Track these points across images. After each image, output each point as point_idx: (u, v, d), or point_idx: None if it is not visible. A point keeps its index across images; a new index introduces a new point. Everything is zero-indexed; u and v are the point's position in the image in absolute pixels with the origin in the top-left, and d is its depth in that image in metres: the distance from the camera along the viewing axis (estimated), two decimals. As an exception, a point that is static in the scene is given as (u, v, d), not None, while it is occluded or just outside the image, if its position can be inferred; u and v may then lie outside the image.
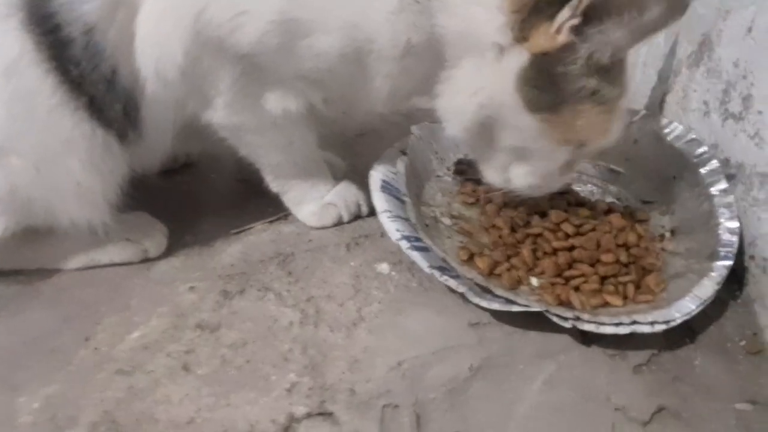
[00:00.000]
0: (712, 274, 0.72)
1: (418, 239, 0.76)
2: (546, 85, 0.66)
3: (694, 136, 0.86)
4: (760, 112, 0.77)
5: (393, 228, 0.76)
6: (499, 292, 0.71)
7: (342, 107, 0.80)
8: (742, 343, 0.74)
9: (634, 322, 0.68)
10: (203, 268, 0.82)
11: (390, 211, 0.78)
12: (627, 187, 0.91)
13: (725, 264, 0.73)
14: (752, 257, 0.77)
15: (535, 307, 0.69)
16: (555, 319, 0.69)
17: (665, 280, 0.76)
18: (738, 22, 0.81)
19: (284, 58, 0.71)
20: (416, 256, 0.73)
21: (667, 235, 0.83)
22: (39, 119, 0.70)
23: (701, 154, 0.84)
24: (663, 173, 0.88)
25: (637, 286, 0.75)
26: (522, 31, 0.65)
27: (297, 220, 0.90)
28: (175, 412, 0.62)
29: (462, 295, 0.72)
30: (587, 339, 0.73)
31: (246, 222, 0.90)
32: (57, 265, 0.82)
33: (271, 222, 0.90)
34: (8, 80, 0.67)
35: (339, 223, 0.88)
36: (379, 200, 0.80)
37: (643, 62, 1.07)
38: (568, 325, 0.68)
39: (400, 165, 0.84)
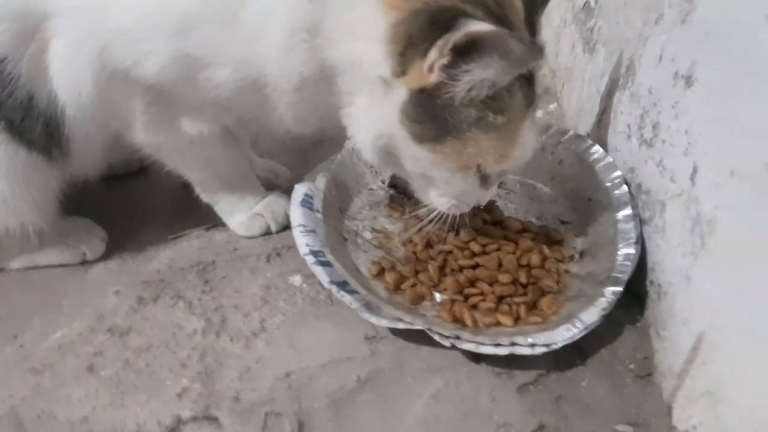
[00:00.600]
0: (601, 299, 0.74)
1: (325, 254, 0.80)
2: (427, 119, 0.69)
3: (611, 160, 0.87)
4: (663, 141, 0.78)
5: (303, 243, 0.80)
6: (387, 309, 0.74)
7: (257, 128, 0.84)
8: (632, 366, 0.76)
9: (513, 344, 0.71)
10: (133, 273, 0.87)
11: (304, 226, 0.82)
12: (549, 207, 0.93)
13: (614, 290, 0.75)
14: (651, 282, 0.79)
15: (418, 325, 0.72)
16: (436, 338, 0.72)
17: (561, 302, 0.78)
18: (652, 49, 0.82)
19: (188, 89, 0.75)
20: (319, 271, 0.77)
21: (576, 257, 0.85)
22: None
23: (615, 179, 0.85)
24: (582, 194, 0.90)
25: (532, 307, 0.78)
26: (401, 65, 0.67)
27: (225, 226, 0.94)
28: (72, 411, 0.68)
29: (365, 310, 0.75)
30: (477, 357, 0.76)
31: (186, 228, 0.95)
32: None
33: (207, 229, 0.95)
34: None
35: (267, 233, 0.92)
36: (296, 214, 0.84)
37: (587, 78, 1.08)
38: (447, 344, 0.72)
39: (320, 180, 0.88)
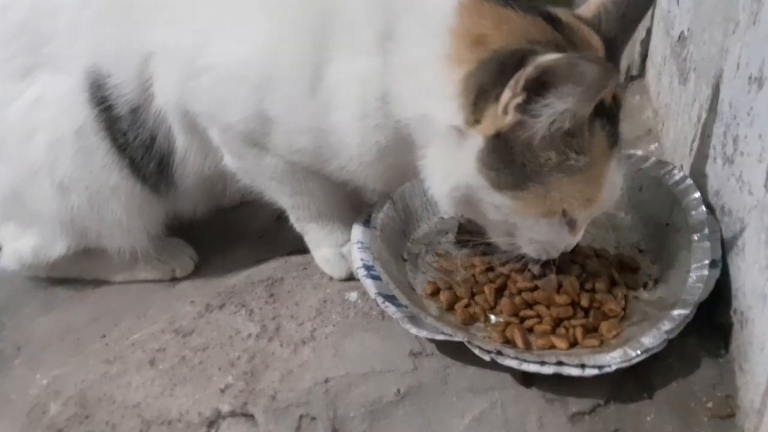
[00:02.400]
0: (664, 322, 0.67)
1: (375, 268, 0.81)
2: (505, 165, 0.67)
3: (690, 182, 0.81)
4: (742, 153, 0.71)
5: (358, 257, 0.82)
6: (429, 321, 0.72)
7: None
8: (710, 404, 0.68)
9: (560, 363, 0.66)
10: (212, 287, 0.94)
11: (362, 243, 0.84)
12: (628, 235, 0.87)
13: (680, 312, 0.68)
14: (734, 311, 0.70)
15: (458, 337, 0.70)
16: (476, 351, 0.69)
17: (623, 327, 0.72)
18: (731, 60, 0.76)
19: (269, 142, 0.80)
20: (368, 284, 0.78)
21: (650, 284, 0.78)
22: (95, 170, 0.88)
23: (693, 200, 0.78)
24: (659, 220, 0.83)
25: (592, 330, 0.72)
26: (474, 114, 0.67)
27: (308, 252, 0.98)
28: (129, 396, 0.73)
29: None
30: (528, 380, 0.71)
31: (270, 253, 1.01)
32: (105, 277, 1.00)
33: (288, 253, 1.00)
34: (77, 139, 0.86)
35: (350, 278, 0.86)
36: (356, 232, 0.86)
37: (681, 110, 1.02)
38: (487, 358, 0.68)
39: (388, 205, 0.89)
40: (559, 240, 0.74)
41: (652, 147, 1.16)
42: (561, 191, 0.68)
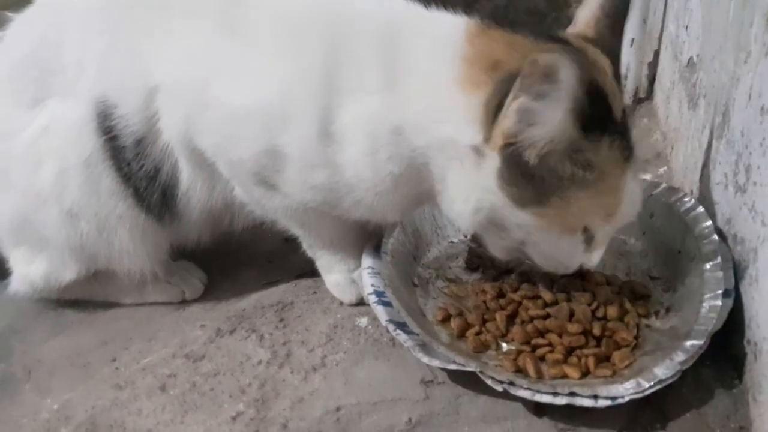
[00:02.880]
0: (678, 353, 0.67)
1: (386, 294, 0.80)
2: (524, 180, 0.67)
3: (701, 210, 0.81)
4: (755, 183, 0.71)
5: (369, 283, 0.82)
6: (441, 350, 0.72)
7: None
8: (723, 436, 0.67)
9: (573, 394, 0.66)
10: (222, 311, 0.94)
11: (372, 268, 0.84)
12: (639, 262, 0.87)
13: (694, 343, 0.67)
14: (748, 341, 0.70)
15: (470, 367, 0.69)
16: (489, 382, 0.68)
17: (636, 357, 0.71)
18: (743, 89, 0.77)
19: (282, 181, 0.80)
20: (380, 310, 0.78)
21: (662, 312, 0.78)
22: (102, 198, 0.88)
23: (704, 228, 0.78)
24: (671, 247, 0.83)
25: (604, 359, 0.72)
26: (489, 130, 0.68)
27: (317, 275, 0.98)
28: (140, 423, 0.73)
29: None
30: (540, 410, 0.71)
31: (279, 276, 1.01)
32: (115, 299, 1.00)
33: (297, 276, 1.00)
34: (85, 168, 0.87)
35: (360, 303, 0.87)
36: (366, 257, 0.86)
37: (691, 135, 1.02)
38: (499, 388, 0.68)
39: (398, 230, 0.89)
40: (576, 256, 0.74)
41: (661, 171, 1.16)
42: (580, 206, 0.68)
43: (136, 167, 0.87)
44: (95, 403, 0.77)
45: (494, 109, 0.67)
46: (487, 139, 0.68)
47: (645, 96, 1.37)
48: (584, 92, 0.63)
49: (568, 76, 0.61)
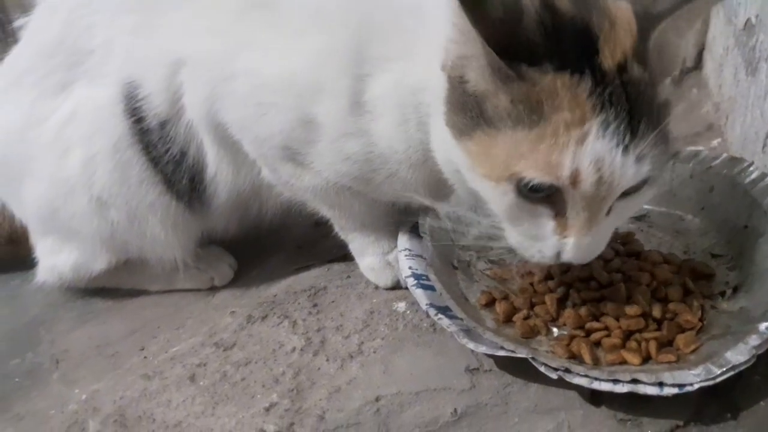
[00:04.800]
0: (752, 336, 0.61)
1: (428, 278, 0.75)
2: (459, 105, 0.61)
3: (770, 180, 0.74)
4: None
5: (406, 266, 0.77)
6: (487, 335, 0.67)
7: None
8: (805, 428, 0.60)
9: (635, 381, 0.60)
10: (253, 297, 0.90)
11: (410, 250, 0.79)
12: (698, 240, 0.80)
13: (770, 326, 0.61)
14: (830, 324, 0.63)
15: (521, 354, 0.64)
16: (542, 369, 0.63)
17: (703, 341, 0.65)
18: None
19: (315, 153, 0.75)
20: (419, 294, 0.73)
21: (728, 292, 0.71)
22: (132, 185, 0.85)
23: (774, 200, 0.71)
24: (735, 223, 0.76)
25: (666, 344, 0.66)
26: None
27: (349, 260, 0.93)
28: (170, 415, 0.70)
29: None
30: (597, 398, 0.65)
31: (310, 261, 0.97)
32: (143, 287, 0.97)
33: (329, 261, 0.95)
34: (115, 153, 0.84)
35: (397, 286, 0.82)
36: (402, 239, 0.81)
37: (751, 103, 0.94)
38: (554, 376, 0.62)
39: (433, 212, 0.84)
40: (540, 235, 0.62)
41: (714, 143, 1.08)
42: (507, 146, 0.58)
43: (163, 150, 0.84)
44: (123, 394, 0.74)
45: None
46: (444, 66, 0.62)
47: (693, 66, 1.29)
48: (537, 22, 0.56)
49: None
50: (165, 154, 0.84)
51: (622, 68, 0.58)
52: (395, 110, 0.71)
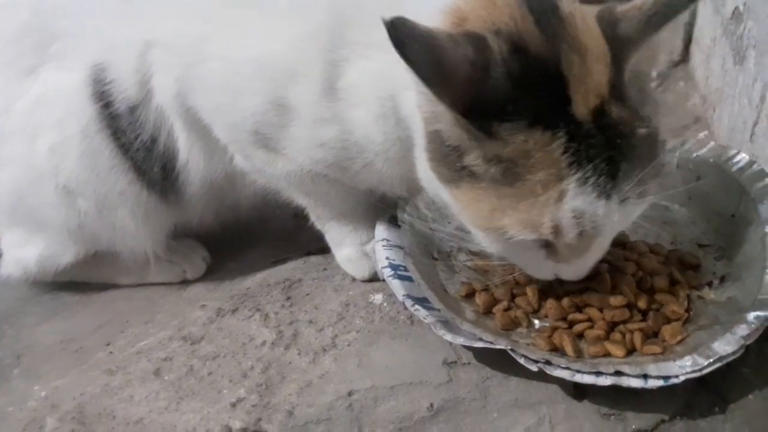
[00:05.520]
0: (740, 326, 0.58)
1: (406, 269, 0.72)
2: (439, 155, 0.59)
3: (758, 168, 0.71)
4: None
5: (383, 256, 0.74)
6: (465, 326, 0.64)
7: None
8: (795, 422, 0.58)
9: (619, 373, 0.57)
10: (225, 290, 0.86)
11: (388, 240, 0.76)
12: (685, 230, 0.78)
13: (759, 314, 0.59)
14: (820, 314, 0.61)
15: (501, 345, 0.61)
16: (521, 361, 0.60)
17: (688, 331, 0.63)
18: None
19: (288, 139, 0.72)
20: (395, 284, 0.70)
21: (716, 282, 0.69)
22: (101, 173, 0.82)
23: (763, 188, 0.69)
24: (723, 211, 0.74)
25: (652, 336, 0.63)
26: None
27: (327, 252, 0.90)
28: (131, 411, 0.66)
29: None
30: (580, 392, 0.62)
31: (289, 253, 0.93)
32: (113, 280, 0.93)
33: (307, 254, 0.92)
34: (83, 139, 0.80)
35: (374, 279, 0.79)
36: (380, 229, 0.78)
37: (738, 93, 0.92)
38: (534, 368, 0.59)
39: (412, 202, 0.81)
40: (534, 263, 0.63)
41: (701, 135, 1.06)
42: (490, 201, 0.56)
43: (132, 137, 0.80)
44: (84, 390, 0.70)
45: None
46: (420, 106, 0.59)
47: (680, 59, 1.27)
48: (505, 74, 0.53)
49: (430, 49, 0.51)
50: (135, 141, 0.80)
51: (598, 113, 0.54)
52: (372, 101, 0.67)
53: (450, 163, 0.58)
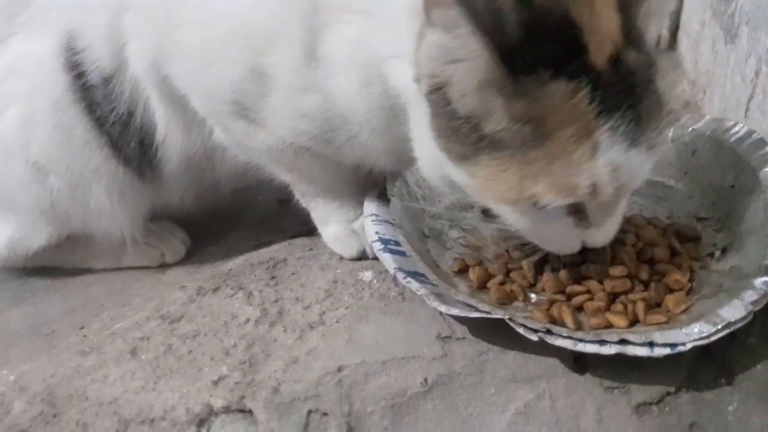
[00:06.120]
0: (747, 292, 0.56)
1: (397, 243, 0.69)
2: (450, 131, 0.54)
3: (758, 137, 0.70)
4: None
5: (372, 231, 0.71)
6: (460, 297, 0.61)
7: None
8: (805, 392, 0.56)
9: (624, 341, 0.54)
10: (207, 272, 0.82)
11: (377, 215, 0.73)
12: (683, 204, 0.76)
13: (765, 280, 0.56)
14: (826, 280, 0.59)
15: (498, 314, 0.58)
16: (521, 331, 0.57)
17: (692, 301, 0.60)
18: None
19: (269, 110, 0.68)
20: (386, 258, 0.67)
21: (717, 254, 0.67)
22: (75, 149, 0.78)
23: (762, 156, 0.67)
24: (721, 184, 0.72)
25: (655, 306, 0.61)
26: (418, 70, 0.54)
27: (313, 235, 0.87)
28: (105, 392, 0.62)
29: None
30: (581, 365, 0.60)
31: (273, 237, 0.90)
32: (87, 265, 0.89)
33: (292, 237, 0.89)
34: (55, 112, 0.77)
35: (362, 257, 0.76)
36: (369, 204, 0.75)
37: (731, 72, 0.91)
38: (534, 338, 0.57)
39: (401, 179, 0.78)
40: (562, 234, 0.60)
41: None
42: (518, 169, 0.53)
43: (108, 110, 0.76)
44: (55, 372, 0.66)
45: None
46: (418, 79, 0.55)
47: (667, 47, 1.27)
48: (518, 22, 0.49)
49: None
50: (110, 114, 0.77)
51: (615, 60, 0.52)
52: (355, 69, 0.63)
53: (463, 136, 0.54)
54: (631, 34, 0.52)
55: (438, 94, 0.54)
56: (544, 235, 0.61)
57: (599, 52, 0.51)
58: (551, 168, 0.52)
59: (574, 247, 0.61)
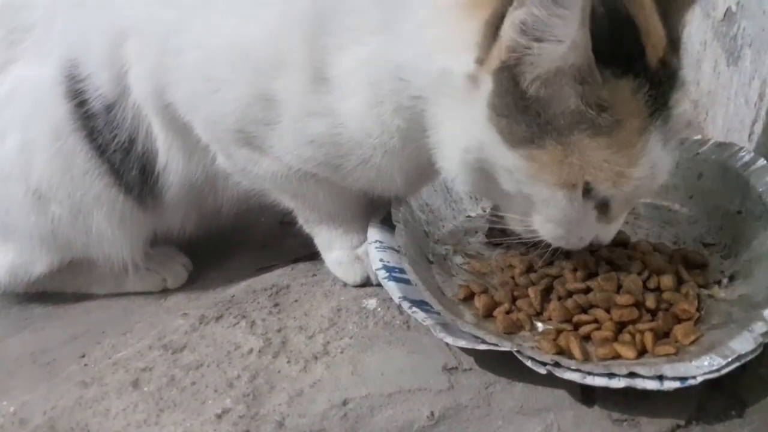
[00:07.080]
0: (758, 323, 0.55)
1: (402, 271, 0.69)
2: (518, 112, 0.55)
3: (764, 163, 0.69)
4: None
5: (377, 258, 0.70)
6: (466, 328, 0.60)
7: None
8: (817, 424, 0.55)
9: (633, 375, 0.54)
10: (209, 299, 0.82)
11: (381, 242, 0.72)
12: (688, 229, 0.75)
13: (777, 311, 0.55)
14: (837, 310, 0.58)
15: (505, 346, 0.58)
16: (529, 363, 0.56)
17: (701, 331, 0.60)
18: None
19: (274, 136, 0.68)
20: (391, 286, 0.66)
21: (725, 281, 0.66)
22: (75, 176, 0.78)
23: (770, 182, 0.67)
24: (728, 209, 0.72)
25: (663, 336, 0.60)
26: (483, 50, 0.55)
27: (316, 259, 0.86)
28: (107, 425, 0.61)
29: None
30: (589, 397, 0.59)
31: (274, 261, 0.89)
32: (89, 290, 0.88)
33: (293, 260, 0.88)
34: (56, 140, 0.76)
35: (366, 284, 0.75)
36: (373, 230, 0.74)
37: (734, 93, 0.91)
38: (542, 371, 0.56)
39: (406, 204, 0.77)
40: (584, 227, 0.62)
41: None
42: (583, 155, 0.55)
43: (109, 137, 0.76)
44: (56, 404, 0.65)
45: (497, 26, 0.55)
46: (482, 60, 0.56)
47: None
48: (608, 16, 0.52)
49: None
50: (112, 142, 0.76)
51: (663, 64, 0.56)
52: (367, 89, 0.63)
53: (530, 117, 0.55)
54: (673, 41, 0.56)
55: (508, 72, 0.55)
56: (567, 227, 0.62)
57: (653, 54, 0.55)
58: (614, 158, 0.55)
59: (587, 240, 0.63)
